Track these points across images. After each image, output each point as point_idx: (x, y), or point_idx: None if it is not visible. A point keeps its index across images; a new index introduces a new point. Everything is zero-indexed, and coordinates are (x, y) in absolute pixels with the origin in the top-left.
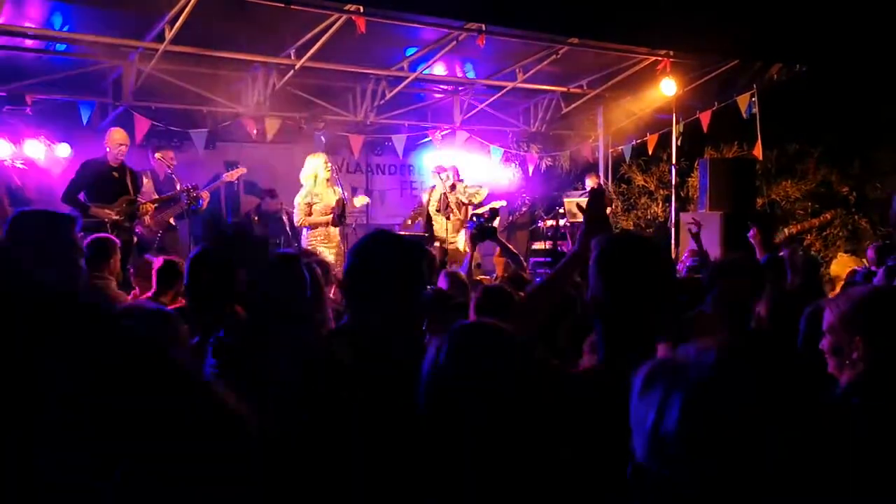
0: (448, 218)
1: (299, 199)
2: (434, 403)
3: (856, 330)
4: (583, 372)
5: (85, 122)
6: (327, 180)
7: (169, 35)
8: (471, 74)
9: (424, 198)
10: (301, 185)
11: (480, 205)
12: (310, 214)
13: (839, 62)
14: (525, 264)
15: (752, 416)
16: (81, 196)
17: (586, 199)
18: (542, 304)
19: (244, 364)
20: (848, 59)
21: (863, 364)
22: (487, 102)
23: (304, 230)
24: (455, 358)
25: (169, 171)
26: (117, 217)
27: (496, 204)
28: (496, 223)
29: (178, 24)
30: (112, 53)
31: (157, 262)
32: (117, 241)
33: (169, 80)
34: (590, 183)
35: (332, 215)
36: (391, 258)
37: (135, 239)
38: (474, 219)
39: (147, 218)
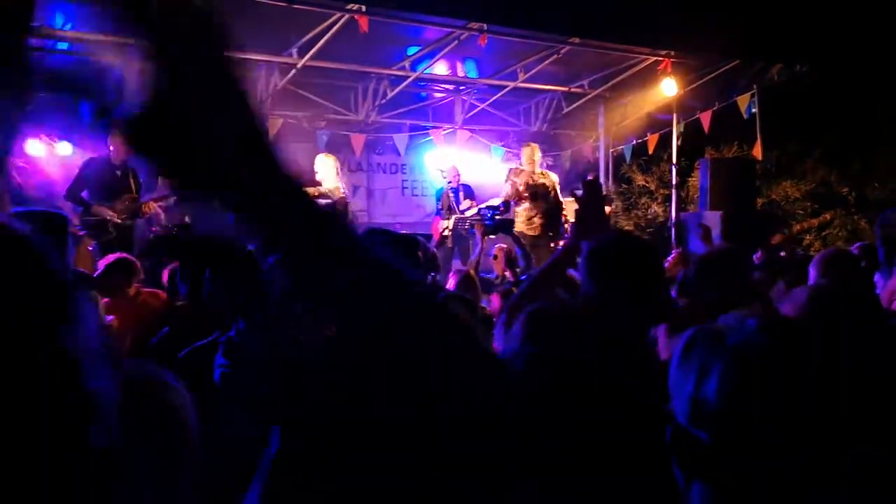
0: (447, 218)
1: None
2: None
3: None
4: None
5: (86, 120)
6: (333, 181)
7: None
8: (472, 74)
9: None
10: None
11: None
12: None
13: (839, 63)
14: (532, 262)
15: (791, 381)
16: (84, 194)
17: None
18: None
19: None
20: (848, 60)
21: None
22: (488, 102)
23: None
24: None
25: None
26: (119, 215)
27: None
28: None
29: None
30: (114, 51)
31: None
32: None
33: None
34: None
35: None
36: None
37: (150, 236)
38: (488, 212)
39: (161, 216)
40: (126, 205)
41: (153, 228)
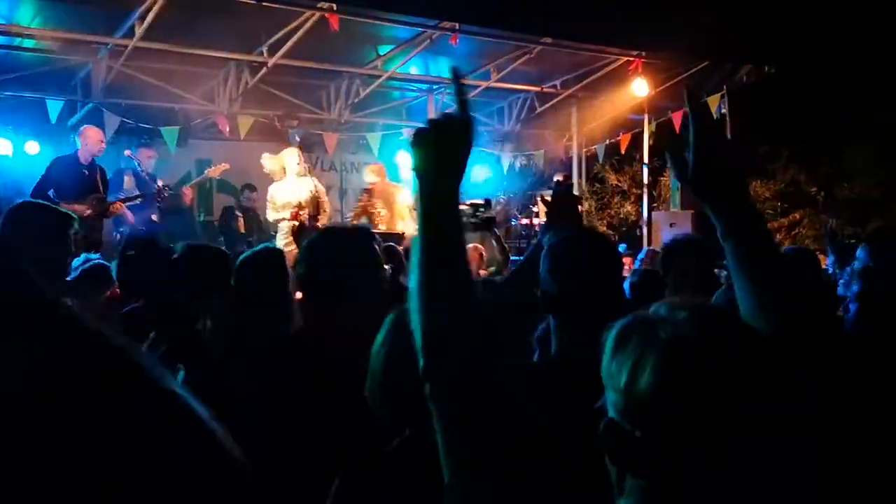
0: None
1: (270, 193)
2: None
3: None
4: (537, 364)
5: (53, 119)
6: (297, 174)
7: (139, 31)
8: (445, 73)
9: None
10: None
11: None
12: (281, 208)
13: (807, 65)
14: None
15: (726, 373)
16: (51, 193)
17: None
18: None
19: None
20: (816, 62)
21: None
22: None
23: (274, 223)
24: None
25: (149, 169)
26: (86, 214)
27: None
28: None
29: (148, 20)
30: (81, 50)
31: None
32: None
33: (139, 77)
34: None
35: (306, 213)
36: (344, 251)
37: (118, 237)
38: (469, 209)
39: (128, 217)
40: (93, 204)
41: (120, 229)
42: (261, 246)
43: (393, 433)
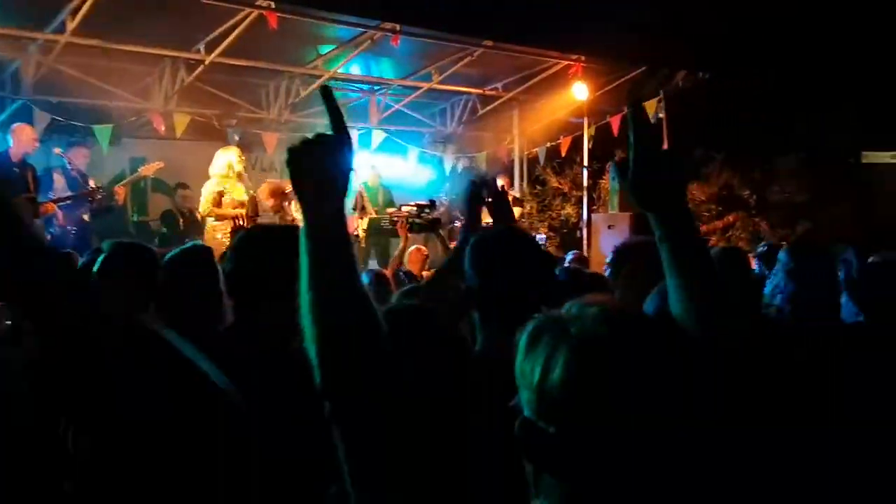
0: (361, 217)
1: (208, 189)
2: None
3: None
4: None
5: None
6: (239, 175)
7: (71, 26)
8: (387, 74)
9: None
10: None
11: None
12: (219, 205)
13: (740, 71)
14: None
15: (633, 370)
16: None
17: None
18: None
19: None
20: (748, 69)
21: None
22: (404, 103)
23: (209, 221)
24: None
25: (82, 168)
26: None
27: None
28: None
29: (80, 16)
30: (10, 45)
31: None
32: None
33: (71, 74)
34: (500, 184)
35: (244, 212)
36: (272, 251)
37: (48, 237)
38: (414, 210)
39: (59, 217)
40: (23, 204)
41: (50, 229)
42: (189, 244)
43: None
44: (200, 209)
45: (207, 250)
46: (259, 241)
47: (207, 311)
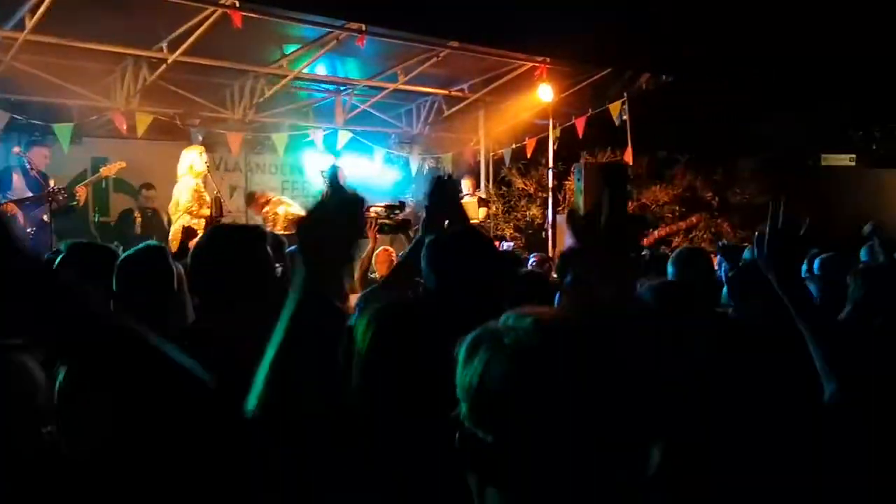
0: None
1: (188, 186)
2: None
3: None
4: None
5: None
6: (203, 174)
7: (30, 24)
8: (353, 74)
9: None
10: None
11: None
12: (201, 206)
13: (702, 75)
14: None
15: (563, 379)
16: None
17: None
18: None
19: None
20: (710, 73)
21: None
22: (369, 103)
23: (182, 220)
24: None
25: (42, 168)
26: None
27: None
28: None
29: (40, 13)
30: None
31: None
32: None
33: (30, 72)
34: (466, 185)
35: (208, 213)
36: (231, 250)
37: None
38: (383, 212)
39: (19, 217)
40: None
41: None
42: (143, 244)
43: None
44: (181, 206)
45: (161, 250)
46: (223, 240)
47: (165, 311)
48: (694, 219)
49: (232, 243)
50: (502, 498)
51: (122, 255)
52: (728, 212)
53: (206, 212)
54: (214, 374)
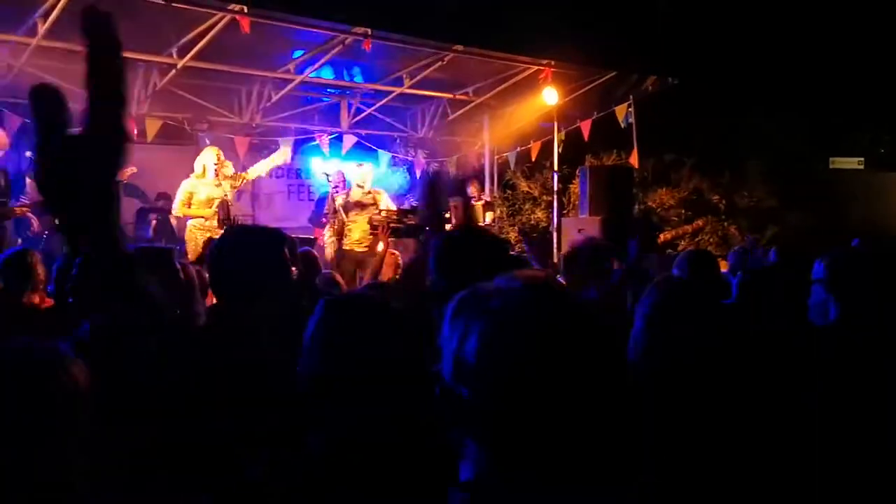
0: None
1: (181, 189)
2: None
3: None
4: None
5: None
6: (215, 175)
7: (42, 29)
8: (358, 79)
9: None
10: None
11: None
12: (189, 206)
13: (709, 76)
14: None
15: (541, 346)
16: None
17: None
18: (408, 287)
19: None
20: (718, 74)
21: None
22: (375, 107)
23: (188, 222)
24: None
25: None
26: None
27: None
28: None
29: (51, 19)
30: None
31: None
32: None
33: (42, 77)
34: (471, 189)
35: (216, 214)
36: (251, 251)
37: (19, 241)
38: (395, 216)
39: (33, 221)
40: None
41: (23, 233)
42: (145, 245)
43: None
44: (174, 208)
45: (168, 251)
46: (245, 241)
47: (175, 311)
48: (700, 222)
49: (254, 245)
50: (479, 451)
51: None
52: (736, 215)
53: (199, 212)
54: (237, 368)
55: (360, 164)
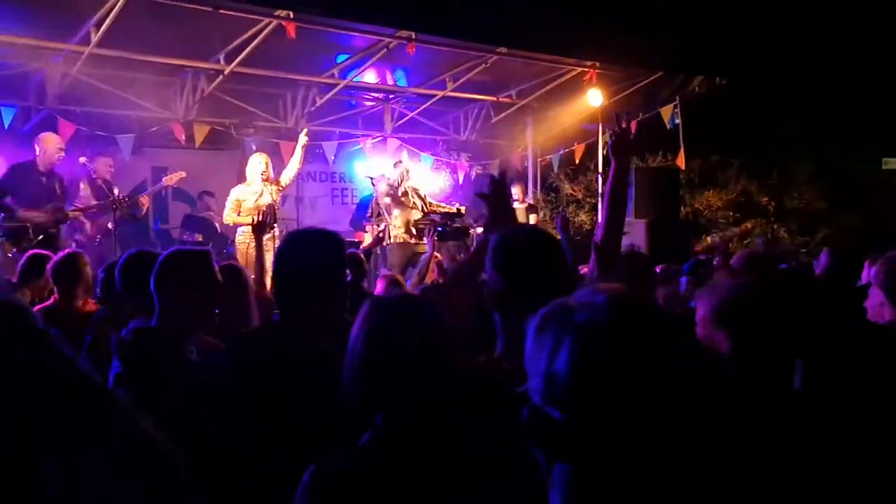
0: (378, 224)
1: (231, 196)
2: (352, 384)
3: (721, 324)
4: (483, 363)
5: (6, 126)
6: (262, 180)
7: (95, 38)
8: (401, 82)
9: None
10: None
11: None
12: (238, 213)
13: (757, 77)
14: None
15: (634, 356)
16: (9, 200)
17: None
18: (459, 291)
19: (148, 365)
20: (766, 74)
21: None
22: (418, 111)
23: (238, 231)
24: (369, 332)
25: (108, 177)
26: (43, 221)
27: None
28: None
29: (104, 27)
30: (36, 56)
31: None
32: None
33: (95, 84)
34: (516, 192)
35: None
36: (312, 254)
37: (73, 244)
38: (441, 218)
39: (88, 226)
40: (51, 212)
41: (77, 237)
42: (186, 246)
43: (363, 418)
44: (224, 217)
45: (205, 253)
46: (307, 245)
47: (207, 313)
48: (748, 225)
49: (314, 249)
50: (571, 475)
51: (163, 256)
52: (785, 217)
53: (248, 219)
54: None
55: (398, 163)
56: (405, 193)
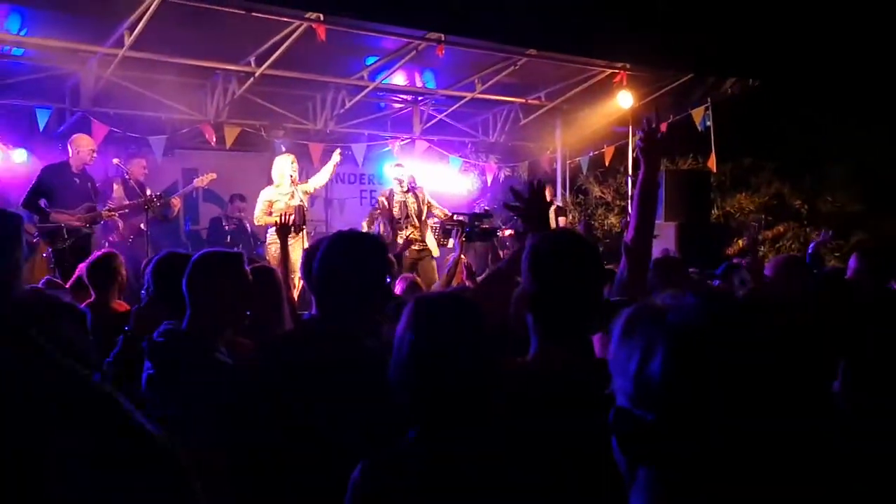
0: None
1: (262, 197)
2: (399, 379)
3: None
4: (516, 365)
5: (41, 127)
6: (291, 182)
7: (128, 41)
8: (430, 84)
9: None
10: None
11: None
12: (269, 214)
13: (791, 78)
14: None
15: (735, 358)
16: (42, 202)
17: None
18: (495, 293)
19: (179, 366)
20: (799, 76)
21: None
22: (446, 113)
23: (268, 231)
24: (417, 327)
25: (140, 178)
26: (77, 222)
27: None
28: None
29: (137, 31)
30: (70, 59)
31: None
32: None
33: (127, 87)
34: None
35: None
36: (351, 256)
37: (106, 244)
38: (465, 219)
39: (120, 225)
40: (84, 213)
41: (110, 237)
42: (213, 248)
43: (408, 416)
44: (255, 218)
45: (236, 255)
46: (347, 248)
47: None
48: (781, 228)
49: (355, 251)
50: (657, 478)
51: (195, 258)
52: (818, 221)
53: (273, 219)
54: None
55: (398, 165)
56: (403, 205)
